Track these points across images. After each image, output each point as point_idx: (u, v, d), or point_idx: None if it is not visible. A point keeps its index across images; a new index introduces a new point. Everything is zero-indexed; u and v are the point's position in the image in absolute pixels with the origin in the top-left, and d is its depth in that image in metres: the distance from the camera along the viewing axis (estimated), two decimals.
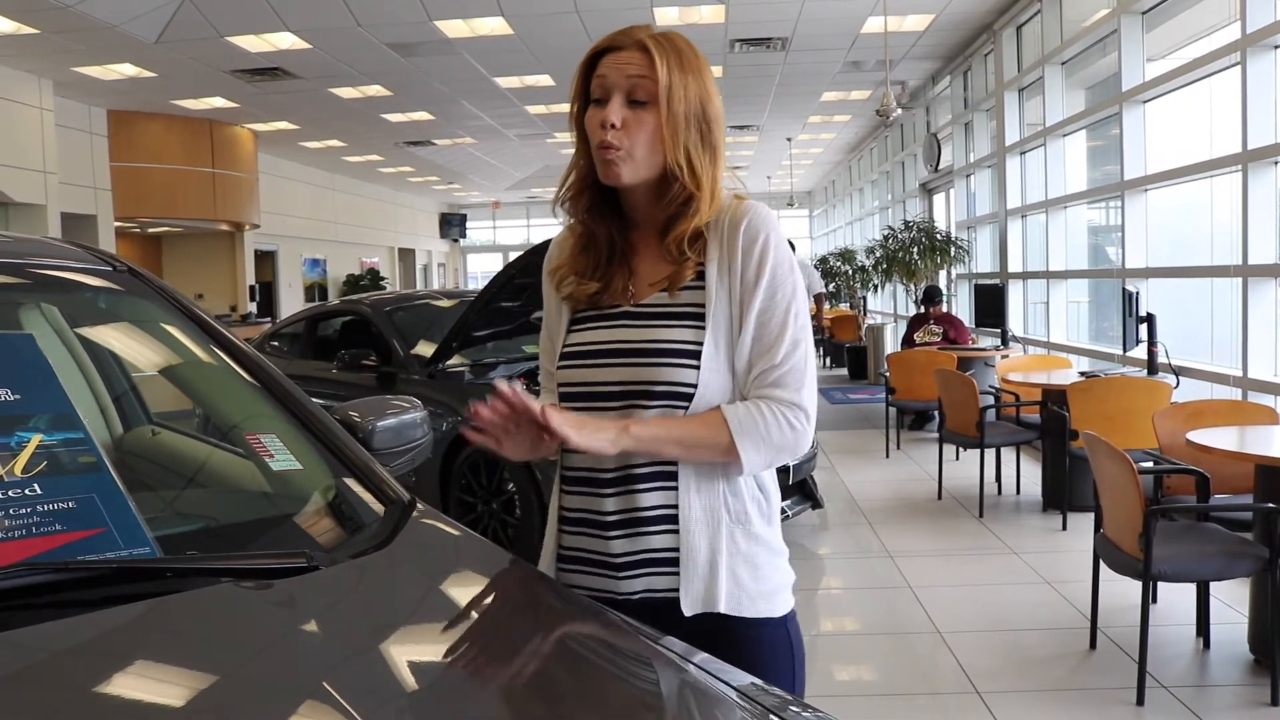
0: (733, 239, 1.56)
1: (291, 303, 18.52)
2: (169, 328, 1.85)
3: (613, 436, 1.49)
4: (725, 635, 1.53)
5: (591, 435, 1.48)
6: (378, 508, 1.56)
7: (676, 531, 1.54)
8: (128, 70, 11.13)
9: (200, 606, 1.17)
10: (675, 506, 1.54)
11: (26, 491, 1.26)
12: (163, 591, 1.18)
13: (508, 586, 1.46)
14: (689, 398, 1.54)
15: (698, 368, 1.54)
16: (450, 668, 1.17)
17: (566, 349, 1.64)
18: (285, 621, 1.18)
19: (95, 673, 1.03)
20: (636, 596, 1.56)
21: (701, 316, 1.56)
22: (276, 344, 7.70)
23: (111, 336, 2.09)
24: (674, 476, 1.55)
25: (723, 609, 1.53)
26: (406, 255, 26.93)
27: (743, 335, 1.55)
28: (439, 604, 1.31)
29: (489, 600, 1.40)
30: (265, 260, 18.59)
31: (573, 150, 1.63)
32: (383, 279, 22.81)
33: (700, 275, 1.57)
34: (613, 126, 1.53)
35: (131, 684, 1.02)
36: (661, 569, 1.55)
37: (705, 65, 1.60)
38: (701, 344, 1.54)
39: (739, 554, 1.55)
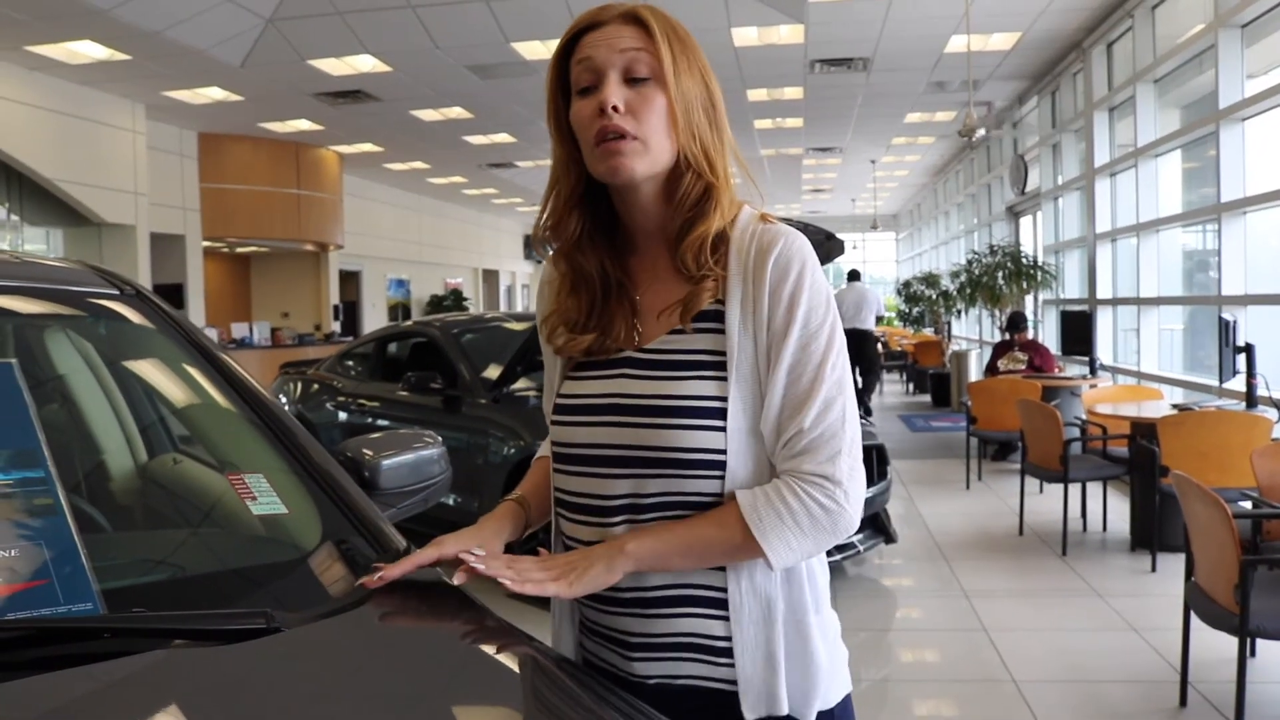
0: (759, 273, 1.28)
1: (375, 322, 18.80)
2: (170, 355, 1.76)
3: (605, 566, 1.25)
4: None
5: (581, 578, 1.24)
6: (366, 559, 1.40)
7: (709, 617, 1.29)
8: (215, 94, 11.38)
9: (128, 676, 1.03)
10: (715, 589, 1.29)
11: None
12: (98, 655, 1.04)
13: (499, 662, 1.26)
14: (719, 466, 1.26)
15: (724, 429, 1.26)
16: None
17: (560, 401, 1.39)
18: (220, 696, 1.03)
19: None
20: (651, 682, 1.32)
21: (722, 365, 1.28)
22: (349, 364, 7.71)
23: (118, 362, 2.01)
24: None
25: (785, 710, 1.27)
26: (490, 276, 27.21)
27: (770, 395, 1.27)
28: (408, 681, 1.13)
29: (471, 681, 1.21)
30: (350, 280, 18.89)
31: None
32: (466, 300, 23.01)
33: (717, 314, 1.31)
34: (614, 109, 1.26)
35: None
36: (684, 654, 1.30)
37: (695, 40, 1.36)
38: (726, 400, 1.27)
39: (796, 646, 1.29)
